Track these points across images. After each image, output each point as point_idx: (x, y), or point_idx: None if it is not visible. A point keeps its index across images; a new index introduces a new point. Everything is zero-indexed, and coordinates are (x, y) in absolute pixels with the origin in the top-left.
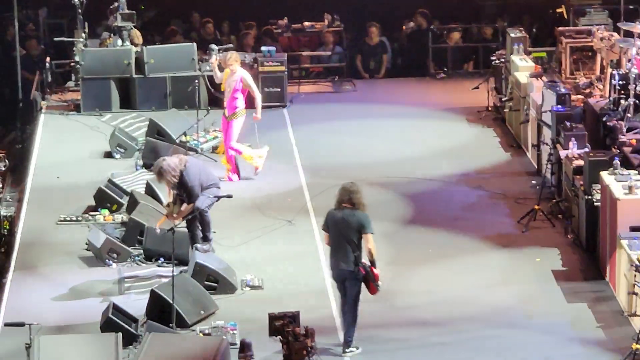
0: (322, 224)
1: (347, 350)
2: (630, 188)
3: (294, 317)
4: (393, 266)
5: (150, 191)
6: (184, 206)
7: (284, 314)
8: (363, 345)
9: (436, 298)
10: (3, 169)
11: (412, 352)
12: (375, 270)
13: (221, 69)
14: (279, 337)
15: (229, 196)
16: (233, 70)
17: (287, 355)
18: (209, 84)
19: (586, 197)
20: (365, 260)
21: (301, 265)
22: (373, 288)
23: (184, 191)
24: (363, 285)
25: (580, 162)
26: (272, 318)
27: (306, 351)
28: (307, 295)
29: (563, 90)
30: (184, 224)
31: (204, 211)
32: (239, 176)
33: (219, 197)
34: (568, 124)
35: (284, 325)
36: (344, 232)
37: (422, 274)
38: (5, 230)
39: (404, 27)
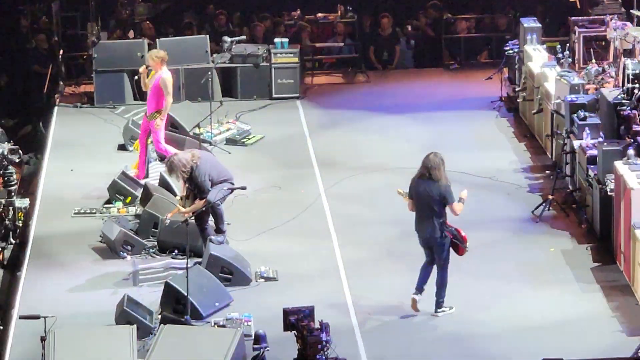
0: (407, 191)
1: (438, 310)
2: None
3: (308, 312)
4: (406, 256)
5: (163, 183)
6: (197, 201)
7: (298, 309)
8: (374, 336)
9: (448, 289)
10: (17, 161)
11: (425, 341)
12: (463, 233)
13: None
14: (294, 332)
15: (243, 188)
16: (156, 69)
17: (302, 349)
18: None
19: (600, 186)
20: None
21: (315, 257)
22: (461, 250)
23: (195, 186)
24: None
25: (594, 152)
26: (287, 313)
27: (321, 345)
28: (322, 287)
29: (576, 80)
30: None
31: (216, 204)
32: (143, 175)
33: (232, 189)
34: (582, 113)
35: (298, 320)
36: (427, 201)
37: None
38: (20, 222)
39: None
